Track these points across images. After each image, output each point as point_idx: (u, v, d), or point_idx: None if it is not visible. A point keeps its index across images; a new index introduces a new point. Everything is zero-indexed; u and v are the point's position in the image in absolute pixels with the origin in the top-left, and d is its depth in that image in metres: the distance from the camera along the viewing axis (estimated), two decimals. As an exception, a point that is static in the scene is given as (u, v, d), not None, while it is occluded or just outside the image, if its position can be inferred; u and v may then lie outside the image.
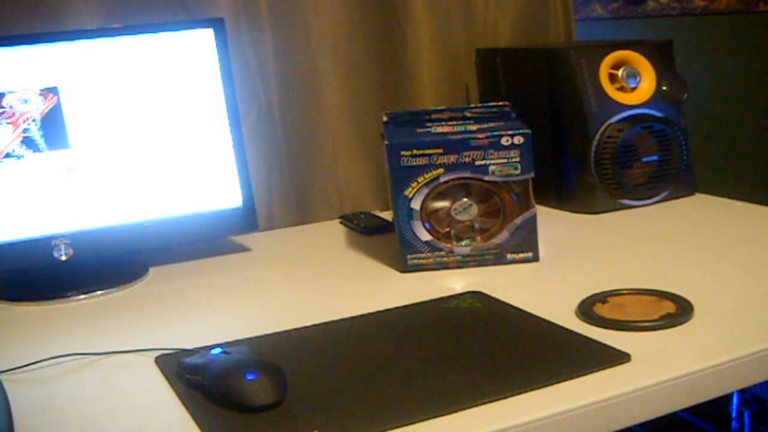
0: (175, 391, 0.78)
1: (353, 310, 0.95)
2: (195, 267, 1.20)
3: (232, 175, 1.19)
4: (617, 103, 1.31)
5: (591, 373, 0.76)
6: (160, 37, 1.14)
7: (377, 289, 1.05)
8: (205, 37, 1.16)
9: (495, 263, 1.09)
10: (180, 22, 1.22)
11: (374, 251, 1.20)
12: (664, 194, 1.34)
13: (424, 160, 1.06)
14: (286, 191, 1.40)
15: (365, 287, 1.06)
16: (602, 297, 0.93)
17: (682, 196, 1.36)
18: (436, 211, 1.09)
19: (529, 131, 1.06)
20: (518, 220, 1.08)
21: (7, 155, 1.08)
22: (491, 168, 1.06)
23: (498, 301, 0.96)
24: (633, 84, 1.33)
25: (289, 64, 1.36)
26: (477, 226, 1.09)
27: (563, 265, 1.08)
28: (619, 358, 0.78)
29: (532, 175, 1.07)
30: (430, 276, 1.08)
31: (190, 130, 1.16)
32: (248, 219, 1.21)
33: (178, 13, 1.27)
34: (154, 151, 1.15)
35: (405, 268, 1.10)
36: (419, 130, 1.11)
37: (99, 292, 1.10)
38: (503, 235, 1.09)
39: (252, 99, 1.34)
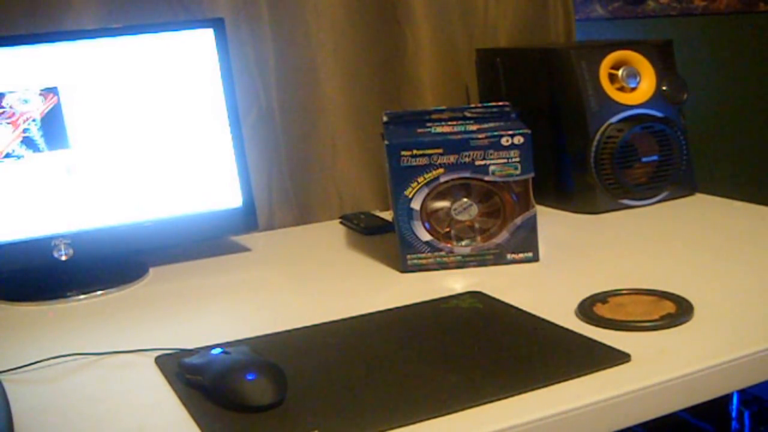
0: (175, 391, 0.78)
1: (353, 310, 0.95)
2: (195, 267, 1.20)
3: (232, 175, 1.19)
4: (617, 103, 1.31)
5: (591, 373, 0.76)
6: (160, 37, 1.13)
7: (377, 289, 1.05)
8: (205, 37, 1.16)
9: (495, 263, 1.09)
10: (180, 22, 1.23)
11: (374, 251, 1.20)
12: (664, 194, 1.34)
13: (424, 160, 1.06)
14: (286, 191, 1.40)
15: (365, 287, 1.06)
16: (602, 297, 0.93)
17: (682, 196, 1.36)
18: (436, 211, 1.09)
19: (529, 131, 1.06)
20: (518, 220, 1.08)
21: (7, 155, 1.08)
22: (491, 168, 1.06)
23: (498, 301, 0.96)
24: (633, 84, 1.33)
25: (289, 64, 1.36)
26: (477, 226, 1.09)
27: (563, 265, 1.08)
28: (619, 358, 0.78)
29: (532, 175, 1.07)
30: (430, 276, 1.08)
31: (190, 130, 1.16)
32: (248, 219, 1.21)
33: (178, 13, 1.27)
34: (154, 151, 1.15)
35: (405, 268, 1.10)
36: (419, 130, 1.11)
37: (99, 292, 1.10)
38: (503, 235, 1.09)
39: (252, 99, 1.34)
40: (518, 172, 1.06)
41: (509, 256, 1.09)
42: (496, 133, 1.06)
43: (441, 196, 1.08)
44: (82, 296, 1.09)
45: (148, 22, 1.22)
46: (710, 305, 0.89)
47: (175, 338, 0.91)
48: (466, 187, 1.08)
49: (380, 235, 1.28)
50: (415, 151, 1.06)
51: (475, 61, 1.50)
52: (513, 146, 1.06)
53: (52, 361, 0.87)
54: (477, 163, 1.06)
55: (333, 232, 1.34)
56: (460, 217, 1.09)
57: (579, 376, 0.75)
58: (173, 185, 1.16)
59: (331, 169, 1.42)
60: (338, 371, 0.80)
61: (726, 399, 1.20)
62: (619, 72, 1.33)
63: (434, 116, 1.18)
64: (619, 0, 1.96)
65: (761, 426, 1.20)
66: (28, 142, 1.08)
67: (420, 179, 1.06)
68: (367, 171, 1.45)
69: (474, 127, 1.09)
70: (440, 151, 1.06)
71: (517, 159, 1.06)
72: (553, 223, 1.27)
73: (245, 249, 1.27)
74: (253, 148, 1.33)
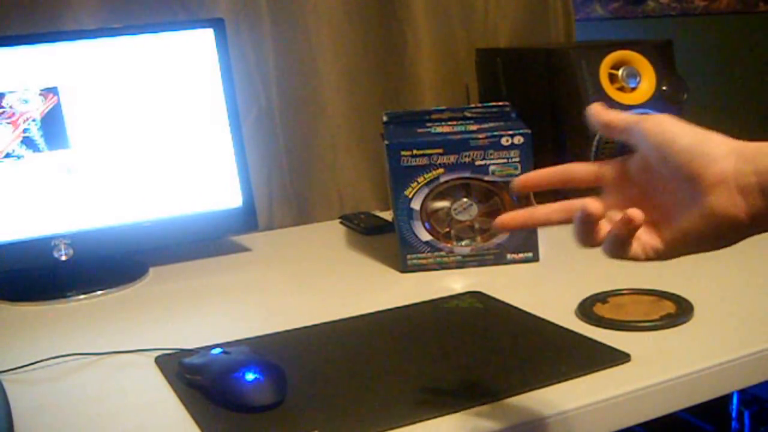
0: (175, 391, 0.78)
1: (353, 310, 0.95)
2: (195, 267, 1.20)
3: (232, 175, 1.19)
4: (617, 103, 1.31)
5: (591, 373, 0.76)
6: (160, 37, 1.13)
7: (377, 289, 1.05)
8: (205, 37, 1.16)
9: (495, 263, 1.09)
10: (180, 22, 1.23)
11: (374, 251, 1.20)
12: (664, 194, 1.34)
13: (424, 160, 1.06)
14: (286, 191, 1.40)
15: (365, 287, 1.06)
16: (602, 297, 0.93)
17: (682, 196, 1.36)
18: (436, 211, 1.09)
19: (529, 131, 1.06)
20: (518, 220, 1.08)
21: (7, 155, 1.07)
22: (491, 168, 1.06)
23: (498, 301, 0.96)
24: (633, 84, 1.33)
25: (289, 64, 1.36)
26: (477, 226, 1.09)
27: (563, 265, 1.08)
28: (619, 358, 0.78)
29: (532, 175, 1.07)
30: (430, 276, 1.08)
31: (190, 130, 1.16)
32: (248, 219, 1.21)
33: (178, 13, 1.27)
34: (154, 151, 1.15)
35: (405, 268, 1.10)
36: (419, 130, 1.11)
37: (99, 292, 1.10)
38: (503, 235, 1.09)
39: (252, 99, 1.34)
40: (518, 172, 1.06)
41: (509, 256, 1.09)
42: (496, 133, 1.06)
43: (441, 196, 1.08)
44: (82, 296, 1.09)
45: (148, 22, 1.22)
46: (710, 305, 0.89)
47: (175, 338, 0.91)
48: (466, 187, 1.08)
49: (380, 235, 1.28)
50: (415, 151, 1.06)
51: (475, 61, 1.50)
52: (513, 146, 1.06)
53: (52, 361, 0.87)
54: (477, 163, 1.06)
55: (333, 232, 1.34)
56: (460, 217, 1.09)
57: (579, 376, 0.75)
58: (173, 185, 1.16)
59: (331, 169, 1.42)
60: (338, 371, 0.80)
61: (726, 399, 1.20)
62: (619, 72, 1.32)
63: (434, 116, 1.18)
64: (619, 0, 1.96)
65: (761, 426, 1.20)
66: (28, 142, 1.08)
67: (420, 179, 1.06)
68: (367, 171, 1.45)
69: (474, 127, 1.09)
70: (440, 151, 1.06)
71: (517, 159, 1.06)
72: (553, 223, 1.26)
73: (245, 249, 1.27)
74: (253, 148, 1.33)
